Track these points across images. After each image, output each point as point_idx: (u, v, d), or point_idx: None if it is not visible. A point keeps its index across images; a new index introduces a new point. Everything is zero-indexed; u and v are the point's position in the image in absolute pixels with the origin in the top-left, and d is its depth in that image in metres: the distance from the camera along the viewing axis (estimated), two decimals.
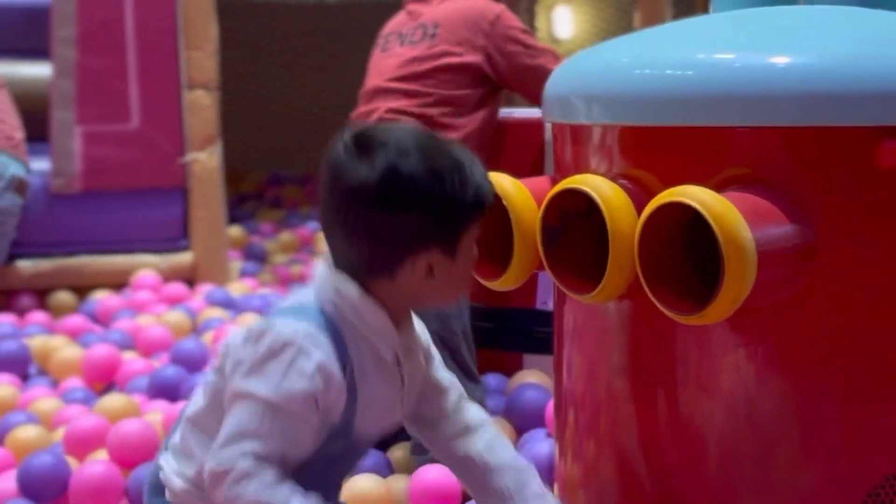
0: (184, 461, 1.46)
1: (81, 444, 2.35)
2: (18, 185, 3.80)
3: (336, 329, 1.41)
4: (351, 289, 1.42)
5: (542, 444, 2.18)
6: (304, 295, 1.45)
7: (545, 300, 2.49)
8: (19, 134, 3.92)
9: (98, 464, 2.20)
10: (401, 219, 1.38)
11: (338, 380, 1.39)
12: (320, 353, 1.38)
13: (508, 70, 2.59)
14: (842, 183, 1.49)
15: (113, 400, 2.58)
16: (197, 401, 1.49)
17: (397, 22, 2.75)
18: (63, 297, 3.91)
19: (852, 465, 1.54)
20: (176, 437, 1.49)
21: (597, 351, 1.70)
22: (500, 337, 2.67)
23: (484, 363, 2.57)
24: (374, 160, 1.37)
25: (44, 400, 2.71)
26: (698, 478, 1.59)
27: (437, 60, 2.56)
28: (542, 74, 2.31)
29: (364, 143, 1.39)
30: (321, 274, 1.45)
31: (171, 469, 1.47)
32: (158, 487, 1.50)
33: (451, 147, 1.42)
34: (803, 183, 1.49)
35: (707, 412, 1.58)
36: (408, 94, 2.56)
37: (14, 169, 3.81)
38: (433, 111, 2.53)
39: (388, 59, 2.65)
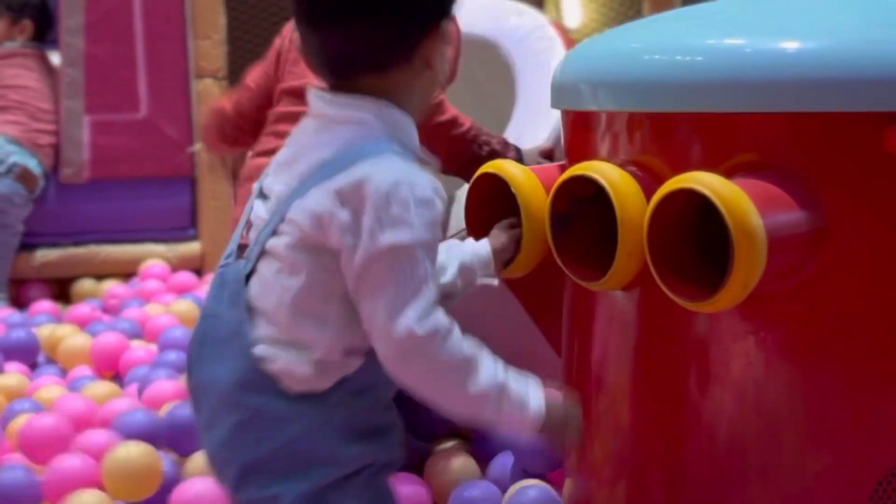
0: (302, 351, 1.39)
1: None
2: (22, 175, 3.80)
3: (399, 143, 1.40)
4: (392, 108, 1.40)
5: None
6: (352, 132, 1.39)
7: None
8: (46, 138, 3.92)
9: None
10: None
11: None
12: (421, 175, 1.37)
13: None
14: (851, 169, 1.48)
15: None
16: (284, 288, 1.40)
17: None
18: (87, 284, 3.92)
19: (862, 455, 1.53)
20: (272, 331, 1.41)
21: (605, 339, 1.69)
22: None
23: None
24: None
25: (50, 388, 2.72)
26: (706, 464, 1.59)
27: None
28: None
29: None
30: (334, 109, 1.41)
31: (290, 360, 1.39)
32: (257, 384, 1.41)
33: None
34: (813, 169, 1.48)
35: (716, 399, 1.57)
36: None
37: (18, 158, 3.81)
38: None
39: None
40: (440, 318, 1.34)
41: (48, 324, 3.30)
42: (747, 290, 1.41)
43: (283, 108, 2.35)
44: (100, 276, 3.99)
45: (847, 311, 1.52)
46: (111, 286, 3.85)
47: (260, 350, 1.41)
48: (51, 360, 3.10)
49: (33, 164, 3.86)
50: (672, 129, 1.57)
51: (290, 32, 2.42)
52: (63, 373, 2.97)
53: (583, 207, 1.63)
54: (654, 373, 1.63)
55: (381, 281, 1.34)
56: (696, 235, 1.52)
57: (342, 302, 1.40)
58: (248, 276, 1.42)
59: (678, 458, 1.62)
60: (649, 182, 1.55)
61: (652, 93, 1.57)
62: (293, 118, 2.12)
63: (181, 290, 3.77)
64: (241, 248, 1.46)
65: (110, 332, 3.08)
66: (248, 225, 1.48)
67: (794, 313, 1.52)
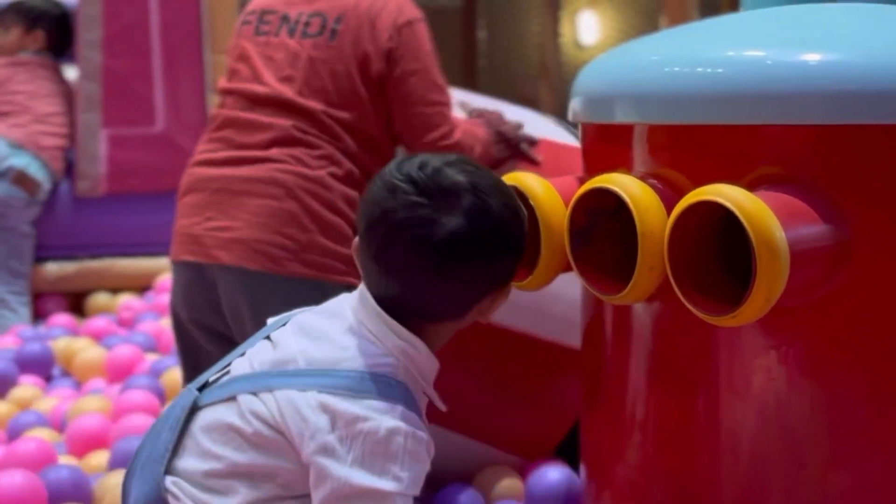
0: (220, 498, 1.40)
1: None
2: (18, 178, 3.80)
3: (411, 393, 1.41)
4: (419, 344, 1.42)
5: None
6: (359, 349, 1.40)
7: None
8: (51, 141, 3.92)
9: None
10: (496, 265, 1.41)
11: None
12: (421, 430, 1.38)
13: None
14: (876, 182, 1.47)
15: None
16: (233, 449, 1.41)
17: None
18: (101, 298, 3.92)
19: (887, 474, 1.51)
20: (196, 468, 1.42)
21: (624, 354, 1.67)
22: None
23: None
24: (457, 208, 1.37)
25: (44, 399, 2.72)
26: (728, 481, 1.57)
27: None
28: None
29: (438, 188, 1.37)
30: (377, 325, 1.42)
31: (192, 500, 1.41)
32: None
33: (500, 179, 1.44)
34: (837, 182, 1.46)
35: (737, 415, 1.55)
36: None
37: (17, 161, 3.81)
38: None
39: (273, 49, 2.18)
40: None
41: (63, 337, 3.30)
42: (770, 304, 1.39)
43: (229, 111, 2.20)
44: (115, 290, 3.99)
45: (871, 326, 1.49)
46: (126, 300, 3.85)
47: (169, 483, 1.42)
48: (66, 373, 3.10)
49: (34, 168, 3.86)
50: (693, 142, 1.55)
51: (238, 23, 2.26)
52: (78, 385, 2.97)
53: (602, 220, 1.61)
54: (674, 388, 1.61)
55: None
56: (717, 249, 1.51)
57: (283, 487, 1.40)
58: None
59: (698, 476, 1.59)
60: (670, 195, 1.54)
61: (672, 105, 1.55)
62: (239, 125, 2.15)
63: None
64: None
65: (125, 344, 3.07)
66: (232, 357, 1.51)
67: (816, 328, 1.50)
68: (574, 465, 1.89)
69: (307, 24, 2.15)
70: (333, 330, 1.46)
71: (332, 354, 1.42)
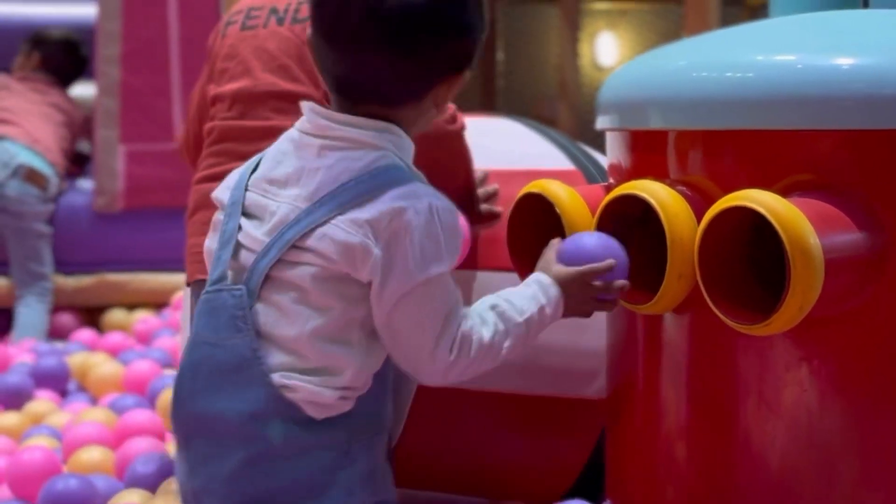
0: (329, 376, 1.38)
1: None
2: (29, 175, 3.81)
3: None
4: (401, 134, 1.41)
5: None
6: (369, 156, 1.39)
7: None
8: (49, 141, 3.97)
9: None
10: (451, 43, 1.39)
11: None
12: (445, 201, 1.40)
13: None
14: None
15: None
16: (307, 317, 1.38)
17: None
18: (117, 314, 3.91)
19: None
20: (291, 360, 1.38)
21: (652, 365, 1.64)
22: None
23: None
24: None
25: (58, 414, 2.70)
26: (757, 497, 1.53)
27: None
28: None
29: None
30: (346, 129, 1.39)
31: (315, 388, 1.37)
32: (277, 414, 1.38)
33: None
34: (872, 189, 1.43)
35: (768, 429, 1.51)
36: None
37: (24, 158, 3.84)
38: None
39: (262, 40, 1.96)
40: (465, 332, 1.41)
41: (79, 352, 3.28)
42: (803, 312, 1.36)
43: (223, 121, 1.98)
44: (131, 306, 3.98)
45: None
46: (142, 316, 3.84)
47: (279, 378, 1.38)
48: (82, 388, 3.08)
49: (40, 164, 3.88)
50: (723, 148, 1.52)
51: (222, 26, 2.07)
52: (94, 401, 2.95)
53: (630, 229, 1.58)
54: (703, 400, 1.57)
55: (417, 315, 1.38)
56: (748, 257, 1.47)
57: (363, 327, 1.41)
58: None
59: (728, 490, 1.55)
60: (699, 202, 1.50)
61: (702, 110, 1.52)
62: (236, 134, 1.94)
63: None
64: (234, 272, 1.43)
65: (142, 360, 3.05)
66: (236, 247, 1.43)
67: (850, 340, 1.46)
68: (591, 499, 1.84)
69: (297, 10, 1.96)
70: (305, 162, 1.42)
71: (326, 178, 1.39)
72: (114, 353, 3.28)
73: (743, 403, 1.53)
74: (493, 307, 1.46)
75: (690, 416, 1.59)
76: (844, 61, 1.45)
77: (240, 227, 1.44)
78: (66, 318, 3.95)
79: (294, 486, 1.39)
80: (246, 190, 1.46)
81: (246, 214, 1.44)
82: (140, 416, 2.45)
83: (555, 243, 1.56)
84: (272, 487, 1.39)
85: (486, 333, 1.43)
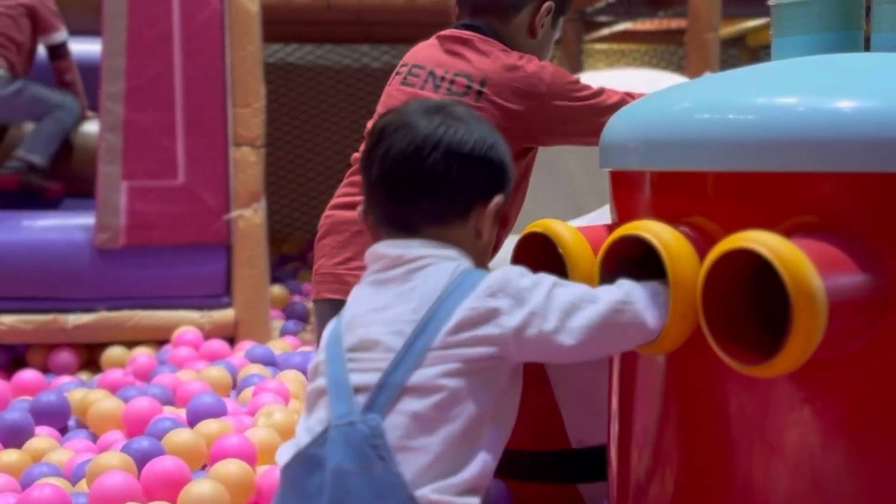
0: (456, 474, 1.45)
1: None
2: None
3: None
4: (461, 252, 1.58)
5: None
6: (452, 265, 1.55)
7: (579, 438, 2.28)
8: None
9: None
10: (473, 169, 1.56)
11: None
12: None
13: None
14: None
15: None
16: (448, 419, 1.45)
17: (428, 55, 2.38)
18: (116, 351, 3.90)
19: None
20: (427, 467, 1.43)
21: (654, 406, 1.63)
22: (548, 475, 2.50)
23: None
24: (469, 123, 1.59)
25: (59, 451, 2.68)
26: None
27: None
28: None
29: (437, 110, 1.59)
30: (433, 245, 1.56)
31: (451, 495, 1.43)
32: None
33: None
34: (875, 231, 1.43)
35: (770, 473, 1.50)
36: None
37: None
38: None
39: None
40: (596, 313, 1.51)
41: (79, 388, 3.27)
42: (806, 354, 1.36)
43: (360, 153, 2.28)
44: (132, 343, 3.96)
45: None
46: (141, 352, 3.83)
47: (426, 494, 1.43)
48: (81, 425, 3.07)
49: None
50: (726, 189, 1.52)
51: (393, 75, 2.41)
52: (94, 437, 2.93)
53: (633, 269, 1.58)
54: (705, 442, 1.56)
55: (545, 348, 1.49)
56: (751, 298, 1.47)
57: (493, 419, 1.49)
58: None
59: None
60: (702, 243, 1.51)
61: (704, 152, 1.53)
62: None
63: (213, 358, 3.73)
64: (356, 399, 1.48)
65: (142, 397, 3.04)
66: (346, 376, 1.50)
67: (853, 382, 1.46)
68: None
69: (452, 81, 2.27)
70: (395, 290, 1.56)
71: (423, 292, 1.53)
72: (112, 389, 3.27)
73: (745, 445, 1.52)
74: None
75: (692, 457, 1.58)
76: (846, 104, 1.45)
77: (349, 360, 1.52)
78: (65, 356, 3.93)
79: None
80: (342, 336, 1.56)
81: (349, 350, 1.53)
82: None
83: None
84: None
85: (627, 317, 1.52)
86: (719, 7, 4.99)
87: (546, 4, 2.37)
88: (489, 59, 2.28)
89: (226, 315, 4.08)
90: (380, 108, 2.34)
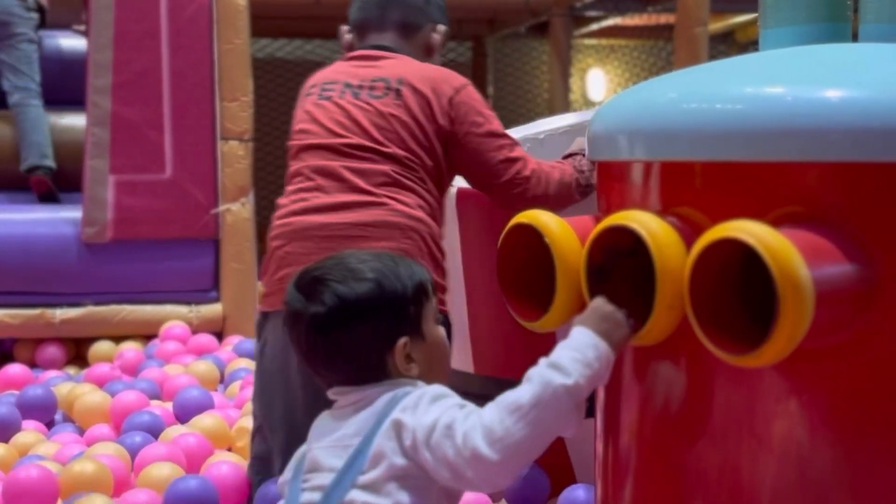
0: None
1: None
2: None
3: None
4: (401, 381, 1.62)
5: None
6: (383, 400, 1.60)
7: None
8: None
9: None
10: (360, 333, 1.60)
11: None
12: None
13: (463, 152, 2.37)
14: None
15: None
16: None
17: (337, 71, 2.46)
18: (104, 346, 3.89)
19: None
20: None
21: (642, 399, 1.63)
22: None
23: None
24: (322, 296, 1.60)
25: (45, 444, 2.68)
26: None
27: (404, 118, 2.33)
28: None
29: (309, 285, 1.62)
30: (368, 388, 1.61)
31: None
32: None
33: (375, 257, 1.65)
34: (862, 221, 1.43)
35: (758, 464, 1.50)
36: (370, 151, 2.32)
37: None
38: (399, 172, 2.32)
39: (336, 111, 2.38)
40: (489, 425, 1.49)
41: (66, 382, 3.26)
42: (793, 344, 1.35)
43: (317, 161, 2.34)
44: (119, 338, 3.95)
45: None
46: (129, 347, 3.81)
47: None
48: (68, 419, 3.06)
49: None
50: (713, 180, 1.52)
51: (302, 98, 2.47)
52: (81, 431, 2.93)
53: (620, 260, 1.58)
54: (692, 432, 1.56)
55: (442, 451, 1.51)
56: (738, 289, 1.47)
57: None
58: None
59: None
60: (689, 234, 1.50)
61: (692, 142, 1.52)
62: (333, 174, 2.31)
63: (201, 352, 3.72)
64: None
65: (129, 390, 3.03)
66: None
67: (841, 374, 1.46)
68: None
69: (371, 87, 2.36)
70: (339, 429, 1.63)
71: (358, 429, 1.60)
72: (99, 383, 3.26)
73: (733, 437, 1.52)
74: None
75: (680, 449, 1.57)
76: (834, 94, 1.45)
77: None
78: (53, 350, 3.92)
79: None
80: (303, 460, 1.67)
81: (306, 471, 1.64)
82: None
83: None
84: None
85: (525, 404, 1.49)
86: (708, 2, 4.99)
87: (440, 26, 2.51)
88: (402, 64, 2.40)
89: (214, 310, 4.07)
90: (295, 127, 2.43)
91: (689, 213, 1.54)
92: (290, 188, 2.38)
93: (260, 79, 5.75)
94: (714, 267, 1.43)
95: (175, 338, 3.84)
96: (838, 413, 1.46)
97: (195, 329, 3.98)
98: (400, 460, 1.53)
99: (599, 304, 1.54)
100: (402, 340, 1.61)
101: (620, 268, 1.57)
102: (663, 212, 1.55)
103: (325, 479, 1.57)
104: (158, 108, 4.04)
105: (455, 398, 1.56)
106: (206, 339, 3.87)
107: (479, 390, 2.45)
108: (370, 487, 1.54)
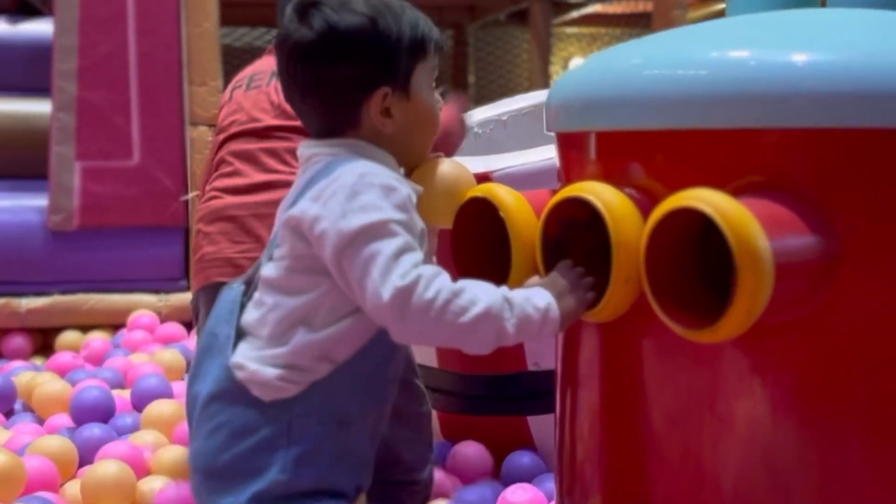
0: (274, 348, 1.51)
1: None
2: None
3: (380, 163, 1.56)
4: (362, 145, 1.56)
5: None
6: (328, 158, 1.54)
7: (536, 360, 2.37)
8: None
9: None
10: (342, 69, 1.53)
11: None
12: (386, 170, 1.51)
13: None
14: (868, 190, 1.37)
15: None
16: (272, 305, 1.53)
17: (265, 64, 2.54)
18: (70, 336, 3.81)
19: None
20: (252, 345, 1.53)
21: (600, 378, 1.57)
22: (498, 404, 2.53)
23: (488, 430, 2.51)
24: (312, 20, 1.53)
25: (2, 433, 2.62)
26: None
27: None
28: None
29: (304, 8, 1.55)
30: (329, 142, 1.56)
31: (258, 363, 1.51)
32: (229, 394, 1.52)
33: None
34: (826, 190, 1.37)
35: (719, 448, 1.44)
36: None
37: None
38: None
39: (262, 98, 2.45)
40: (424, 269, 1.41)
41: (27, 371, 3.19)
42: (752, 317, 1.29)
43: (237, 146, 2.41)
44: (86, 328, 3.88)
45: (863, 349, 1.38)
46: (96, 337, 3.74)
47: (234, 361, 1.52)
48: (28, 409, 2.99)
49: None
50: (672, 149, 1.46)
51: (229, 92, 2.52)
52: (40, 421, 2.86)
53: (577, 234, 1.52)
54: (652, 414, 1.50)
55: (361, 261, 1.42)
56: (698, 264, 1.41)
57: (330, 312, 1.51)
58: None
59: None
60: (648, 206, 1.44)
61: (652, 109, 1.46)
62: (250, 156, 2.37)
63: (168, 342, 3.65)
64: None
65: (90, 380, 2.96)
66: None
67: (803, 350, 1.39)
68: None
69: None
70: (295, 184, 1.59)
71: (298, 186, 1.56)
72: (62, 372, 3.19)
73: (694, 417, 1.46)
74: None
75: (639, 429, 1.51)
76: (799, 58, 1.38)
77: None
78: (18, 340, 3.85)
79: (238, 462, 1.50)
80: None
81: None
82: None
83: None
84: (220, 463, 1.51)
85: (454, 284, 1.42)
86: None
87: None
88: None
89: (184, 299, 4.01)
90: (226, 119, 2.48)
91: (648, 184, 1.48)
92: (213, 175, 2.45)
93: (238, 68, 5.68)
94: (672, 239, 1.37)
95: (142, 327, 3.77)
96: (802, 392, 1.40)
97: (164, 318, 3.91)
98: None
99: (560, 273, 1.50)
100: (384, 90, 1.55)
101: (577, 242, 1.52)
102: (622, 184, 1.49)
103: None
104: (125, 93, 3.96)
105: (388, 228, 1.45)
106: (174, 328, 3.79)
107: (442, 385, 2.43)
108: (274, 263, 1.53)
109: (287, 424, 1.49)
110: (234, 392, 1.51)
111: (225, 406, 1.51)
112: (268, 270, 1.54)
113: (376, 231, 1.42)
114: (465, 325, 1.40)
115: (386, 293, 1.38)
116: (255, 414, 1.49)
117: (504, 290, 1.44)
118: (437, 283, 1.40)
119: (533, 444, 2.43)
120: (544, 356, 2.34)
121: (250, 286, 1.59)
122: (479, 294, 1.41)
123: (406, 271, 1.39)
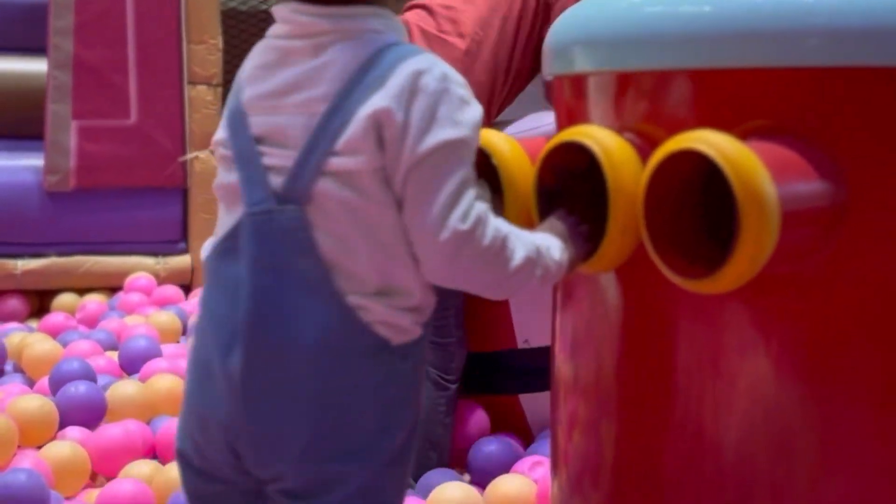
0: (396, 298, 1.29)
1: None
2: None
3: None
4: (388, 14, 1.33)
5: None
6: (366, 41, 1.29)
7: (526, 338, 2.31)
8: None
9: None
10: None
11: None
12: (455, 72, 1.30)
13: None
14: (881, 135, 1.29)
15: None
16: (366, 230, 1.27)
17: None
18: (66, 298, 3.75)
19: (887, 479, 1.33)
20: (357, 283, 1.28)
21: (596, 333, 1.50)
22: (491, 382, 2.49)
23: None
24: None
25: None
26: (709, 484, 1.40)
27: None
28: None
29: None
30: (349, 13, 1.29)
31: (387, 310, 1.29)
32: (352, 340, 1.28)
33: None
34: (836, 134, 1.30)
35: (721, 403, 1.38)
36: None
37: None
38: None
39: None
40: (480, 209, 1.27)
41: (18, 332, 3.14)
42: (756, 266, 1.22)
43: None
44: (83, 290, 3.82)
45: (871, 303, 1.31)
46: (92, 299, 3.68)
47: (353, 300, 1.27)
48: (18, 369, 2.94)
49: None
50: (674, 90, 1.39)
51: None
52: (31, 382, 2.81)
53: (575, 182, 1.44)
54: (652, 369, 1.43)
55: (429, 183, 1.25)
56: (700, 212, 1.33)
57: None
58: None
59: (675, 475, 1.42)
60: (649, 151, 1.36)
61: (654, 48, 1.39)
62: None
63: (165, 304, 3.60)
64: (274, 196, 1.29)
65: (83, 341, 2.90)
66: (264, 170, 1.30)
67: (807, 305, 1.32)
68: None
69: None
70: (303, 66, 1.31)
71: (334, 73, 1.29)
72: (54, 333, 3.13)
73: (696, 373, 1.40)
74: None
75: (640, 385, 1.45)
76: None
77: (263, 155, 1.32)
78: (14, 303, 3.79)
79: (365, 419, 1.29)
80: (245, 116, 1.33)
81: (258, 140, 1.31)
82: None
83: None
84: (343, 423, 1.29)
85: (502, 227, 1.29)
86: None
87: None
88: None
89: (182, 261, 3.95)
90: None
91: (649, 128, 1.40)
92: None
93: (244, 32, 5.60)
94: (673, 185, 1.30)
95: (139, 289, 3.71)
96: (806, 349, 1.34)
97: (162, 281, 3.85)
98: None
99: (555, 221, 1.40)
100: None
101: (575, 191, 1.44)
102: (622, 127, 1.42)
103: (287, 158, 1.29)
104: (122, 51, 3.88)
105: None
106: (171, 290, 3.74)
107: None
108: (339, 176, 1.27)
109: (414, 374, 1.33)
110: (356, 338, 1.28)
111: (348, 355, 1.28)
112: (331, 187, 1.28)
113: (450, 152, 1.26)
114: (506, 274, 1.28)
115: (445, 233, 1.24)
116: (386, 362, 1.30)
117: (534, 237, 1.33)
118: (492, 228, 1.27)
119: (526, 423, 2.39)
120: (534, 333, 2.29)
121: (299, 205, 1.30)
122: (518, 243, 1.30)
123: (467, 211, 1.25)
